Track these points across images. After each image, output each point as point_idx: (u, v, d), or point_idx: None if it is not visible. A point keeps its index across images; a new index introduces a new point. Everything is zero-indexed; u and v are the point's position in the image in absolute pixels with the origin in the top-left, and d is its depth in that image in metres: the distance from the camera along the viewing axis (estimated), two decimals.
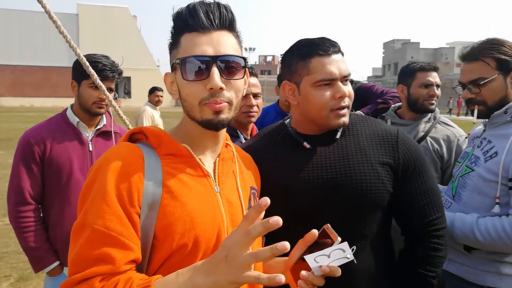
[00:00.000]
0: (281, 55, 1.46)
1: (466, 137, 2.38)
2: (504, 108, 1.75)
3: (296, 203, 1.33)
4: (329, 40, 1.36)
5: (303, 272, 0.96)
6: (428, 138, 2.42)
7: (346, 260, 0.97)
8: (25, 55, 40.01)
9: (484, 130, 1.87)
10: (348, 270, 1.15)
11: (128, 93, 44.71)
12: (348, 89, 1.35)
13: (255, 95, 2.27)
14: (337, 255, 0.96)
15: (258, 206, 0.76)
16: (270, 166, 1.37)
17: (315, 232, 0.98)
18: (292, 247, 1.26)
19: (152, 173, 0.98)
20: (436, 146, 2.40)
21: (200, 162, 1.06)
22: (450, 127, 2.49)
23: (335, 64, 1.32)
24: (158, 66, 48.88)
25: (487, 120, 1.85)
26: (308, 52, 1.34)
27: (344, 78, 1.34)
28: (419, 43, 69.41)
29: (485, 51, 1.77)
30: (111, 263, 0.87)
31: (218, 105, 1.00)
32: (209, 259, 0.82)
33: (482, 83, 1.77)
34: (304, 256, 0.97)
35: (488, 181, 1.70)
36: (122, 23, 43.06)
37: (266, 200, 0.75)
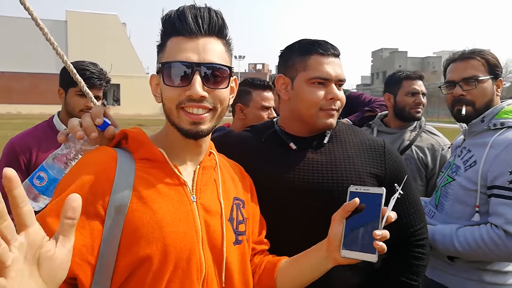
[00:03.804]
0: (281, 50, 1.46)
1: (449, 147, 2.41)
2: (481, 116, 1.77)
3: (277, 202, 1.31)
4: (331, 43, 1.37)
5: (377, 231, 0.98)
6: (413, 146, 2.46)
7: (393, 203, 1.04)
8: (13, 61, 39.48)
9: (464, 140, 1.90)
10: (327, 279, 1.15)
11: (117, 101, 44.36)
12: (341, 93, 1.35)
13: (266, 108, 2.37)
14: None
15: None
16: (253, 162, 1.35)
17: (356, 200, 1.02)
18: (281, 245, 1.26)
19: (124, 176, 0.95)
20: (421, 154, 2.43)
21: (175, 169, 1.02)
22: (435, 136, 2.53)
23: (332, 66, 1.33)
24: (148, 73, 48.65)
25: (466, 129, 1.88)
26: (308, 49, 1.35)
27: (339, 82, 1.35)
28: (406, 52, 70.67)
29: (478, 53, 1.81)
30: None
31: (197, 116, 0.98)
32: None
33: (479, 78, 1.76)
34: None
35: (468, 190, 1.72)
36: (111, 30, 42.75)
37: None
